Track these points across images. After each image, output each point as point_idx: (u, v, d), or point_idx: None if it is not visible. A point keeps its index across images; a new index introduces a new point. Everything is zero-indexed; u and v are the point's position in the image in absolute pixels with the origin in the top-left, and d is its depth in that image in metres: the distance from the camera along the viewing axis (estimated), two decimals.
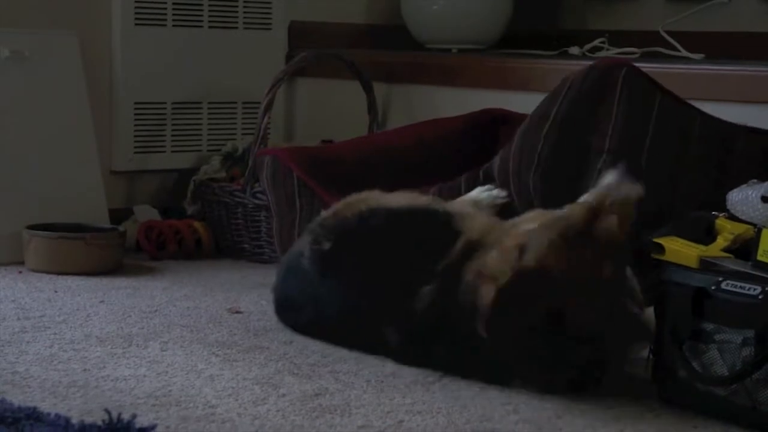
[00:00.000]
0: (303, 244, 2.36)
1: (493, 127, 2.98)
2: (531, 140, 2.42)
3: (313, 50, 3.31)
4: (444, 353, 2.10)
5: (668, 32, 3.43)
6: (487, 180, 2.50)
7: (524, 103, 2.99)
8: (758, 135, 2.51)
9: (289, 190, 2.71)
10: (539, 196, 2.38)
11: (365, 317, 2.20)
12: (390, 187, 2.38)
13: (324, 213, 2.39)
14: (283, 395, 1.96)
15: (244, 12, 3.45)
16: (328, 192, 2.64)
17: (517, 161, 2.43)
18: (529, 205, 2.34)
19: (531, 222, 2.09)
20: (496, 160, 2.50)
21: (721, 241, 1.98)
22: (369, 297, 2.20)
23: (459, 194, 2.47)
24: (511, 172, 2.44)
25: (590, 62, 2.52)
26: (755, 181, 1.98)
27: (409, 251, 2.20)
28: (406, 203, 2.30)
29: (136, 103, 3.29)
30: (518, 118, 2.96)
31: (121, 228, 3.01)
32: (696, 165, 2.44)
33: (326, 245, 2.30)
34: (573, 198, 2.17)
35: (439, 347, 2.10)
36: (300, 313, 2.33)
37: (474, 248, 2.11)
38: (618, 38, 3.49)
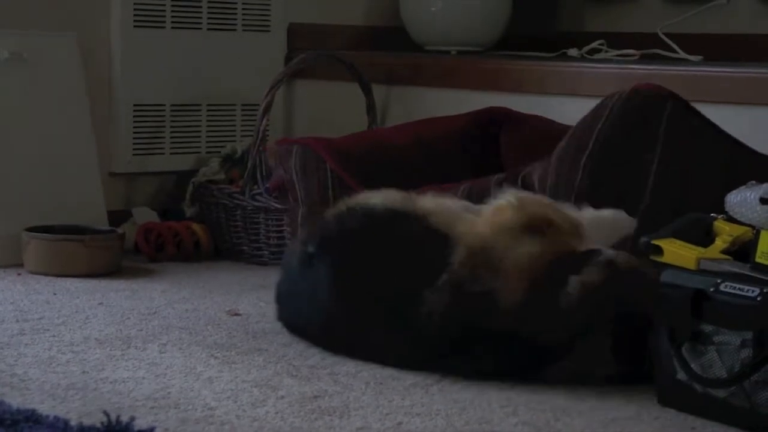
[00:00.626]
0: (296, 243, 2.34)
1: (493, 126, 2.97)
2: (568, 170, 2.37)
3: (312, 52, 3.31)
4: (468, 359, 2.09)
5: (666, 34, 3.43)
6: (526, 187, 2.42)
7: (523, 105, 3.00)
8: None
9: (323, 180, 2.72)
10: None
11: (356, 324, 2.18)
12: (387, 185, 2.37)
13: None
14: (282, 397, 1.96)
15: (243, 14, 3.45)
16: (359, 184, 2.63)
17: (554, 191, 2.38)
18: None
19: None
20: (535, 176, 2.44)
21: (719, 243, 1.98)
22: (359, 303, 2.17)
23: (489, 195, 2.35)
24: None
25: (630, 87, 2.45)
26: (754, 182, 1.98)
27: (399, 256, 2.17)
28: (389, 203, 2.25)
29: (135, 104, 3.29)
30: (518, 117, 2.96)
31: (119, 230, 3.01)
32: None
33: (311, 248, 2.27)
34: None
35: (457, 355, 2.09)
36: (288, 311, 2.32)
37: (481, 256, 2.09)
38: (616, 40, 3.49)
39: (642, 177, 2.37)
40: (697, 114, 2.43)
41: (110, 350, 2.21)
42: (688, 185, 2.37)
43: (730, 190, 2.35)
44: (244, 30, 3.45)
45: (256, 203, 3.05)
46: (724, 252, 1.97)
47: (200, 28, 3.38)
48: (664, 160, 2.37)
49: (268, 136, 3.18)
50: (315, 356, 2.20)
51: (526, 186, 2.44)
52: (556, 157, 2.42)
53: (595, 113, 2.42)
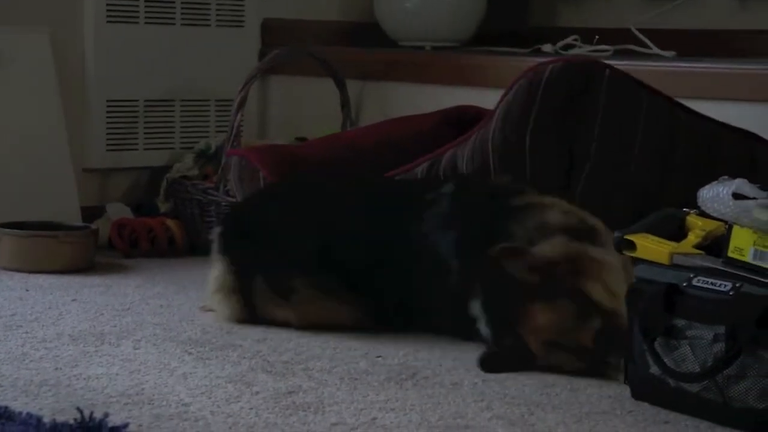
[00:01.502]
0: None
1: (464, 125, 2.97)
2: (514, 146, 2.44)
3: (286, 47, 3.31)
4: None
5: (640, 30, 3.44)
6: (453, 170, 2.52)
7: (497, 100, 3.00)
8: (741, 135, 2.52)
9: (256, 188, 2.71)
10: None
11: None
12: None
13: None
14: (257, 393, 1.96)
15: (217, 9, 3.44)
16: None
17: (498, 165, 2.46)
18: None
19: None
20: (463, 158, 2.51)
21: (692, 238, 1.99)
22: None
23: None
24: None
25: (561, 58, 2.52)
26: (726, 177, 1.99)
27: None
28: None
29: (108, 100, 3.28)
30: (487, 114, 2.97)
31: (93, 226, 3.00)
32: (684, 166, 2.45)
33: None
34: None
35: None
36: None
37: None
38: (590, 36, 3.50)
39: (584, 145, 2.41)
40: (637, 81, 2.49)
41: (84, 346, 2.20)
42: (631, 150, 2.42)
43: (673, 152, 2.42)
44: (217, 25, 3.44)
45: (230, 199, 3.04)
46: (696, 247, 1.97)
47: (174, 24, 3.37)
48: (605, 128, 2.42)
49: (242, 131, 3.18)
50: (289, 351, 2.20)
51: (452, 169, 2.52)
52: (496, 133, 2.50)
53: (526, 89, 2.47)
